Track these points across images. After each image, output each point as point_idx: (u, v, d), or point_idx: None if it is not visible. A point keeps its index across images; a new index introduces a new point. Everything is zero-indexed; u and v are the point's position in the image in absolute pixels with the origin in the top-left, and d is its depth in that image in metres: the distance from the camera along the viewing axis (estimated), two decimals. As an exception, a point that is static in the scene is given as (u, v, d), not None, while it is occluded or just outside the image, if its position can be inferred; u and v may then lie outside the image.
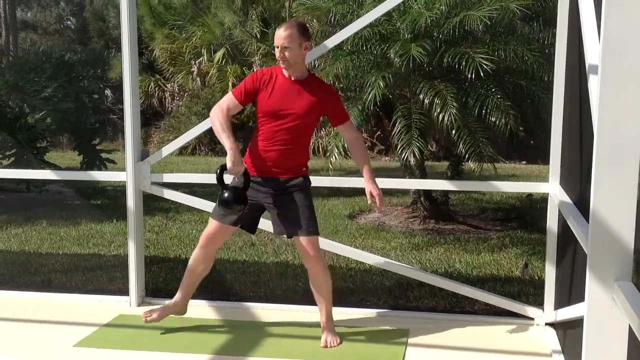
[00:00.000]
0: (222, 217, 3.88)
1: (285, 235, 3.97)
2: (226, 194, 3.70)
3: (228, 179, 3.89)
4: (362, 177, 3.98)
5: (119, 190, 10.56)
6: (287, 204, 3.87)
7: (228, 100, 3.87)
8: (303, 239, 3.86)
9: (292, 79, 3.83)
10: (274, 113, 3.81)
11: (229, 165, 3.67)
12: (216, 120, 3.80)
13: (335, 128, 4.01)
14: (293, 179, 3.89)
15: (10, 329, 4.21)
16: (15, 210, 9.80)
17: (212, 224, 3.97)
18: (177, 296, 4.17)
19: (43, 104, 11.12)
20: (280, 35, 3.75)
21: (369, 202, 3.93)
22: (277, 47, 3.75)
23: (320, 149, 15.27)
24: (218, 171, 3.76)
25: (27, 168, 9.74)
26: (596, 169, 2.11)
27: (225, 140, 3.72)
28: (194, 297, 4.73)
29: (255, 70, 18.38)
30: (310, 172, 4.03)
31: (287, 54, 3.73)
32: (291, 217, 3.87)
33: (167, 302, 4.21)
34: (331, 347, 3.87)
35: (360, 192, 4.03)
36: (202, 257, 4.06)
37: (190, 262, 4.11)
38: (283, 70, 3.84)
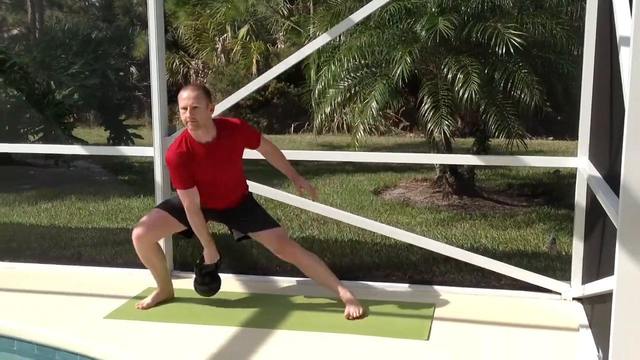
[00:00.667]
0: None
1: (245, 239, 4.23)
2: (207, 279, 4.13)
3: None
4: (381, 154, 3.98)
5: (146, 166, 10.66)
6: (238, 213, 4.14)
7: (186, 197, 3.93)
8: (268, 233, 4.06)
9: (203, 142, 3.91)
10: (213, 179, 3.97)
11: (207, 260, 4.07)
12: (195, 217, 3.95)
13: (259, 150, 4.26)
14: (238, 203, 4.17)
15: (41, 301, 4.29)
16: (44, 186, 9.95)
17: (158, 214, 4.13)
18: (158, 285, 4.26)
19: (70, 81, 11.23)
20: (189, 95, 3.82)
21: (299, 190, 4.31)
22: (185, 109, 3.80)
23: (345, 126, 15.29)
24: (198, 261, 4.13)
25: (55, 144, 9.86)
26: (627, 142, 2.09)
27: (203, 239, 4.02)
28: (221, 271, 4.79)
29: (280, 47, 18.28)
30: (335, 148, 4.14)
31: (196, 115, 3.80)
32: (246, 220, 4.13)
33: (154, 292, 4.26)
34: (355, 317, 3.89)
35: (386, 167, 4.06)
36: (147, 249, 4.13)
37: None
38: (195, 135, 3.89)
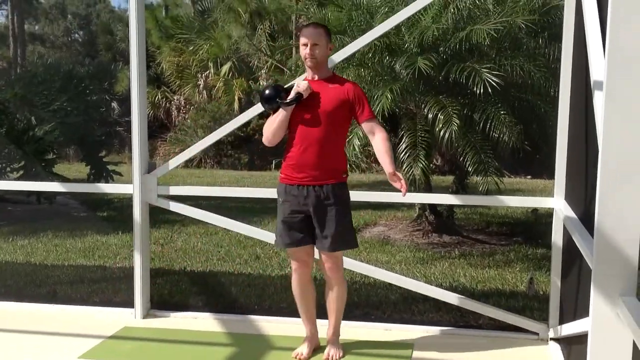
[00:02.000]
0: (285, 242, 3.90)
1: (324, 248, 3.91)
2: (267, 91, 3.90)
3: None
4: (362, 192, 3.94)
5: (125, 202, 10.60)
6: (327, 212, 3.81)
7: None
8: (336, 255, 3.90)
9: (316, 78, 3.87)
10: (314, 121, 3.78)
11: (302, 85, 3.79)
12: (267, 124, 3.88)
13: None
14: (331, 186, 3.81)
15: (16, 340, 4.22)
16: (21, 222, 9.84)
17: (290, 252, 4.00)
18: (306, 330, 4.09)
19: (51, 117, 11.19)
20: (311, 32, 3.80)
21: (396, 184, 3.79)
22: (306, 45, 3.78)
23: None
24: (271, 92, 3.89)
25: (36, 180, 9.76)
26: (601, 184, 2.12)
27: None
28: (199, 309, 4.75)
29: (262, 84, 18.45)
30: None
31: (315, 51, 3.78)
32: (330, 227, 3.82)
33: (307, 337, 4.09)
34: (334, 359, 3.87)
35: (366, 205, 4.06)
36: (297, 282, 4.04)
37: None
38: (307, 72, 3.89)
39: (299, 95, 3.78)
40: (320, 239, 3.83)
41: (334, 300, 3.99)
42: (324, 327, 4.05)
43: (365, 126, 3.86)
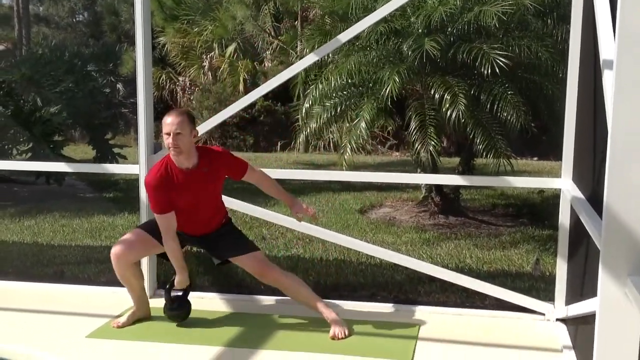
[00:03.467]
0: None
1: (226, 263, 4.19)
2: (175, 305, 4.14)
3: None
4: (367, 173, 3.97)
5: (131, 183, 10.61)
6: (217, 238, 4.11)
7: (166, 221, 3.92)
8: (247, 258, 4.05)
9: (184, 168, 3.89)
10: (185, 207, 3.95)
11: (176, 284, 4.06)
12: (170, 243, 3.94)
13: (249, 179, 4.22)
14: (216, 230, 4.15)
15: (23, 319, 4.25)
16: (27, 203, 9.87)
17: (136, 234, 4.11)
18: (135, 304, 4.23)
19: (58, 98, 11.18)
20: (172, 121, 3.80)
21: (301, 218, 4.25)
22: (169, 134, 3.78)
23: (332, 144, 15.31)
24: (167, 286, 4.13)
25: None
26: (610, 164, 2.11)
27: (177, 264, 3.99)
28: (206, 289, 4.77)
29: (268, 65, 18.34)
30: (322, 166, 4.10)
31: (179, 141, 3.78)
32: (225, 246, 4.10)
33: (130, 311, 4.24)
34: (340, 338, 3.88)
35: (372, 187, 4.08)
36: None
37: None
38: (176, 160, 3.88)
39: (185, 292, 4.12)
40: (229, 251, 4.12)
41: (294, 295, 4.16)
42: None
43: (247, 176, 4.12)
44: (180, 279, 4.02)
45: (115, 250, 3.99)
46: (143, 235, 4.05)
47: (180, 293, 4.13)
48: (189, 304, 4.15)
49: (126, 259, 3.99)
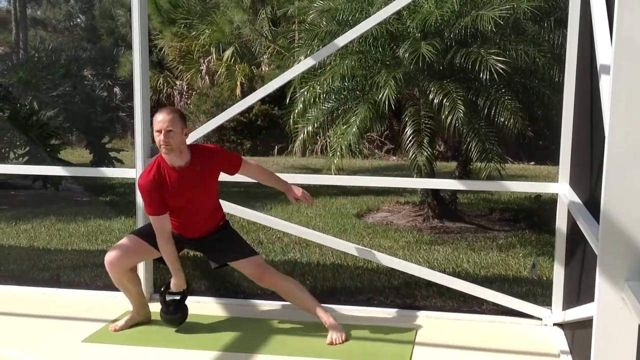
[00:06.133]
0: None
1: (224, 266, 4.15)
2: (171, 308, 4.09)
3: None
4: (364, 178, 3.97)
5: (128, 187, 10.60)
6: (214, 241, 4.06)
7: (160, 222, 3.90)
8: (245, 262, 4.01)
9: (176, 166, 3.86)
10: (179, 206, 3.92)
11: (172, 287, 4.04)
12: (165, 245, 3.91)
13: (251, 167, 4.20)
14: (214, 232, 4.09)
15: (18, 324, 4.23)
16: (24, 207, 9.85)
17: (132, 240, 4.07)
18: (134, 308, 4.21)
19: (55, 102, 11.17)
20: (163, 119, 3.77)
21: (295, 202, 4.22)
22: (160, 132, 3.76)
23: (329, 149, 15.30)
24: (163, 289, 4.09)
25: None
26: (607, 169, 2.10)
27: (172, 267, 3.96)
28: (202, 294, 4.76)
29: (265, 70, 18.34)
30: (314, 171, 4.10)
31: (170, 138, 3.76)
32: (223, 249, 4.05)
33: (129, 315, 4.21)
34: (337, 343, 3.87)
35: (369, 191, 4.07)
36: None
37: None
38: (167, 159, 3.86)
39: (182, 295, 4.09)
40: (227, 254, 4.06)
41: (292, 300, 4.14)
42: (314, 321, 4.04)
43: (242, 170, 4.09)
44: (175, 282, 4.00)
45: (108, 256, 3.96)
46: (136, 241, 4.02)
47: (177, 297, 4.11)
48: (185, 308, 4.12)
49: (120, 265, 3.96)
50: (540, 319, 4.25)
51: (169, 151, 3.79)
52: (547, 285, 4.59)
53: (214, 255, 4.11)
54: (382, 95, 7.14)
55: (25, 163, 10.47)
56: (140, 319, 4.18)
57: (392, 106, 7.30)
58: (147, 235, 4.00)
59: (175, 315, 4.10)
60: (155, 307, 4.26)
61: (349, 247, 4.71)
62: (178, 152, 3.83)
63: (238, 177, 4.21)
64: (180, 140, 3.81)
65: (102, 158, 11.92)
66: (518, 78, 7.65)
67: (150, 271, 4.71)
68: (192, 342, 3.92)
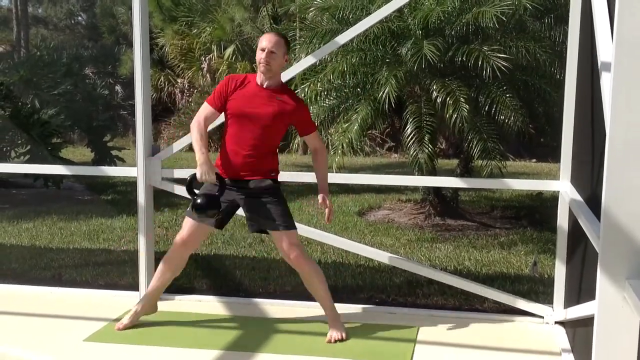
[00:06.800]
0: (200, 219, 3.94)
1: (261, 232, 4.06)
2: (199, 200, 3.81)
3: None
4: (365, 175, 3.96)
5: (129, 185, 10.60)
6: (259, 205, 3.93)
7: (204, 111, 3.91)
8: (280, 234, 3.92)
9: (264, 86, 3.87)
10: (242, 114, 3.86)
11: (198, 176, 3.79)
12: (194, 131, 3.86)
13: (303, 137, 4.09)
14: (262, 181, 3.93)
15: (20, 323, 4.23)
16: (25, 205, 9.86)
17: (188, 224, 3.98)
18: (143, 300, 4.20)
19: (56, 100, 11.17)
20: (270, 39, 3.81)
21: (319, 204, 4.01)
22: (263, 50, 3.79)
23: (327, 147, 15.27)
24: (188, 179, 3.88)
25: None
26: (608, 166, 2.10)
27: (198, 151, 3.80)
28: (204, 292, 4.76)
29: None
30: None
31: (271, 59, 3.78)
32: (264, 215, 3.93)
33: (134, 307, 4.18)
34: (335, 341, 3.87)
35: (370, 189, 4.06)
36: (176, 260, 4.06)
37: (162, 264, 4.09)
38: (258, 76, 3.88)
39: (221, 189, 3.81)
40: (265, 221, 3.92)
41: (309, 285, 4.04)
42: (322, 311, 4.04)
43: (308, 139, 4.04)
44: (200, 170, 3.76)
45: (181, 237, 3.97)
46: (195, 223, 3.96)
47: (199, 187, 3.89)
48: (218, 204, 3.81)
49: (193, 244, 4.01)
50: (542, 317, 4.25)
51: (266, 71, 3.82)
52: (549, 283, 4.59)
53: (252, 217, 3.97)
54: (383, 93, 7.14)
55: (27, 162, 10.48)
56: (146, 312, 4.16)
57: (392, 104, 7.29)
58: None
59: (202, 207, 3.80)
60: (161, 306, 4.25)
61: (351, 245, 4.71)
62: (271, 75, 3.85)
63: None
64: (280, 64, 3.86)
65: (104, 156, 11.92)
66: (519, 75, 7.64)
67: (151, 269, 4.70)
68: (193, 341, 3.92)
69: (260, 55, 3.80)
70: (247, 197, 3.94)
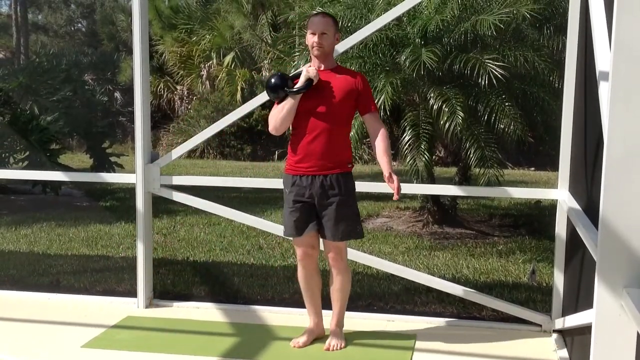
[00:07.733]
0: (290, 232, 3.90)
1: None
2: (274, 78, 3.84)
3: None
4: (364, 183, 3.95)
5: (128, 192, 10.60)
6: (326, 208, 3.83)
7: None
8: (330, 243, 3.90)
9: (322, 68, 3.86)
10: (312, 113, 3.80)
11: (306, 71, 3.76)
12: (274, 113, 3.86)
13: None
14: (336, 176, 3.83)
15: (18, 329, 4.23)
16: (24, 212, 9.85)
17: (295, 242, 3.97)
18: (310, 320, 4.09)
19: (55, 107, 11.18)
20: (320, 21, 3.82)
21: (387, 182, 3.88)
22: (314, 34, 3.78)
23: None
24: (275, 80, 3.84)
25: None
26: (606, 175, 2.11)
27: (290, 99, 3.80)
28: (202, 299, 4.76)
29: (265, 75, 18.43)
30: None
31: (323, 40, 3.78)
32: (329, 223, 3.84)
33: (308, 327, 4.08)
34: (334, 350, 3.87)
35: (369, 196, 4.06)
36: (302, 272, 4.02)
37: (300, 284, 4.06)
38: (313, 61, 3.88)
39: (309, 81, 3.77)
40: (325, 228, 3.85)
41: (337, 290, 3.99)
42: (328, 318, 4.04)
43: (368, 119, 3.92)
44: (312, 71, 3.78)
45: (300, 263, 3.98)
46: (306, 237, 3.92)
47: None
48: (285, 94, 3.83)
49: (313, 262, 3.99)
50: (540, 325, 4.25)
51: (321, 53, 3.82)
52: (547, 291, 4.59)
53: (324, 219, 3.88)
54: (378, 100, 7.15)
55: (25, 168, 10.48)
56: (319, 331, 4.06)
57: (387, 111, 7.30)
58: (299, 230, 3.88)
59: (277, 91, 3.84)
60: (153, 314, 4.25)
61: (349, 253, 4.70)
62: (325, 56, 3.85)
63: (237, 181, 4.20)
64: (332, 44, 3.86)
65: (103, 163, 11.92)
66: (518, 84, 7.65)
67: (150, 277, 4.71)
68: (191, 348, 3.91)
69: (312, 39, 3.79)
70: (320, 198, 3.88)
